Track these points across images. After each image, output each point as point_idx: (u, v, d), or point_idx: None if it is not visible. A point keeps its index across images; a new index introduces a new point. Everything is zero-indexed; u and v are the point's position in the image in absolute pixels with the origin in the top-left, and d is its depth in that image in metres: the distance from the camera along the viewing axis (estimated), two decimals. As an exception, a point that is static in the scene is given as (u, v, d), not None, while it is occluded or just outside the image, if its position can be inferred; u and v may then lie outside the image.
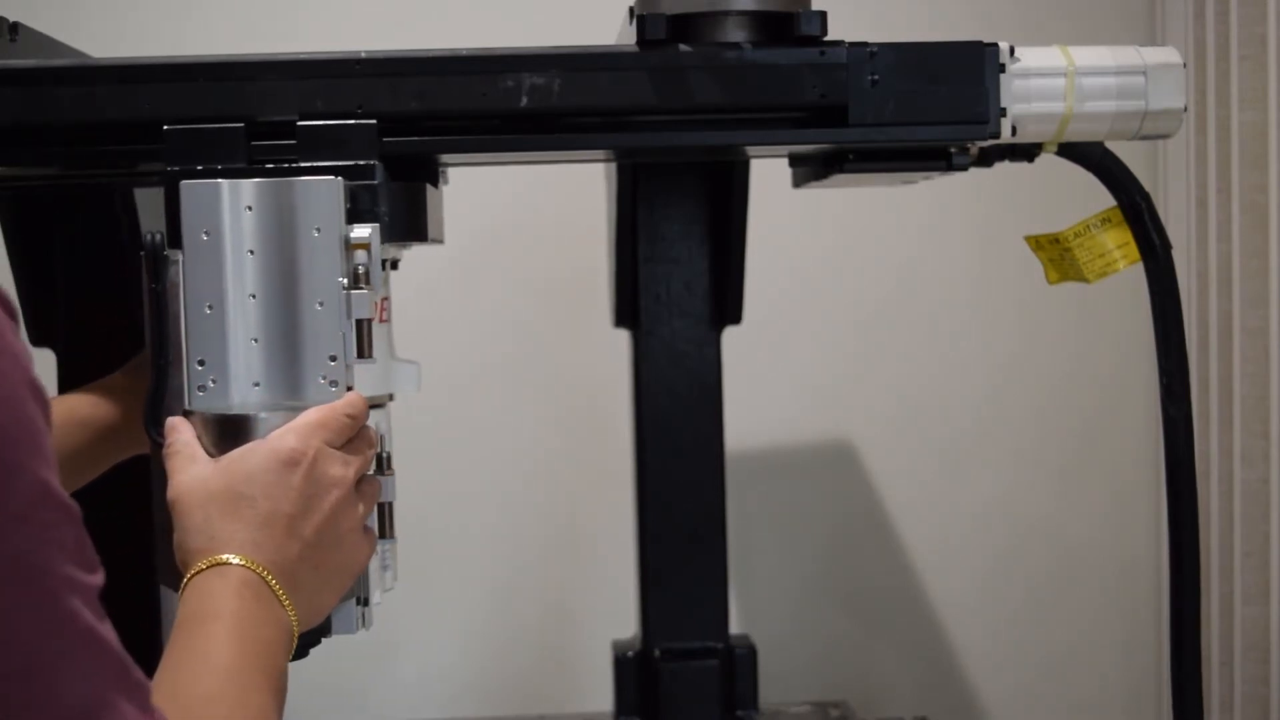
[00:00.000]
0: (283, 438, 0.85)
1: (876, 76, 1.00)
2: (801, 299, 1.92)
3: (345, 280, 0.90)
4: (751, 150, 1.28)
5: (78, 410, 1.02)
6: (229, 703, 0.72)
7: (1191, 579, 1.14)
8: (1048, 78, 1.04)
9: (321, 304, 0.90)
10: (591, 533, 1.91)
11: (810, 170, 1.22)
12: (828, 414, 1.95)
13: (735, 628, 1.60)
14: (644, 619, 1.55)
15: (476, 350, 1.89)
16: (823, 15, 1.01)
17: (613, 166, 1.52)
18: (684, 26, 1.00)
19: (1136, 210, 1.11)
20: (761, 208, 1.56)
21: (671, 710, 1.52)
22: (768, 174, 1.46)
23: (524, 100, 0.97)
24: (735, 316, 1.54)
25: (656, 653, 1.53)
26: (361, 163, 0.93)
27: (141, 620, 1.48)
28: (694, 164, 1.48)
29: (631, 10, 1.02)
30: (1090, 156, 1.10)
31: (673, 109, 1.00)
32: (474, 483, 1.88)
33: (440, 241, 1.06)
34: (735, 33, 1.00)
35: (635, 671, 1.55)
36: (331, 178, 0.90)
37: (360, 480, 0.89)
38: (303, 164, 0.93)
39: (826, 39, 1.00)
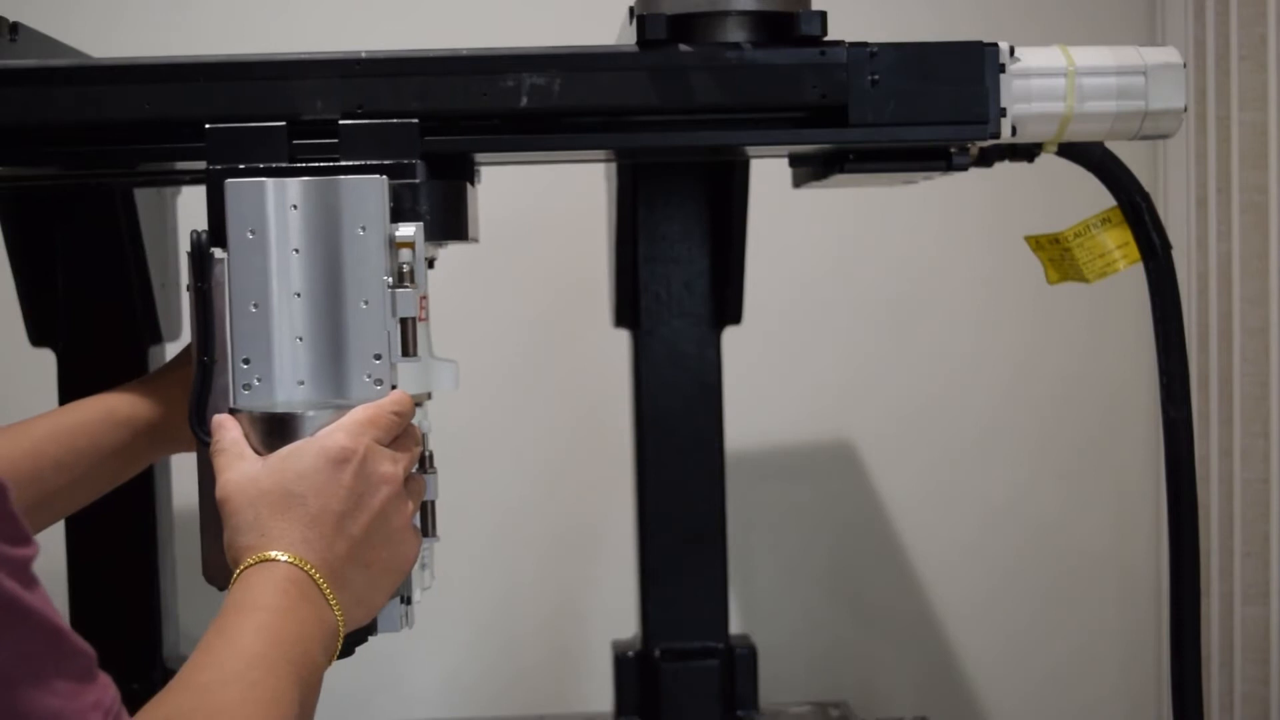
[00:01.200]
0: (332, 435, 0.85)
1: (876, 76, 1.00)
2: (802, 299, 1.92)
3: (390, 279, 0.90)
4: (751, 150, 1.28)
5: (117, 409, 1.02)
6: (243, 685, 0.72)
7: (1191, 579, 1.14)
8: (1048, 78, 1.04)
9: (366, 302, 0.90)
10: (591, 532, 1.91)
11: (810, 170, 1.22)
12: (828, 414, 1.95)
13: (735, 628, 1.60)
14: (644, 619, 1.55)
15: (476, 350, 1.89)
16: (823, 15, 1.01)
17: (613, 166, 1.52)
18: (684, 26, 1.00)
19: (1136, 210, 1.12)
20: (761, 208, 1.56)
21: (671, 710, 1.52)
22: (768, 174, 1.46)
23: (524, 100, 0.97)
24: (735, 316, 1.54)
25: (656, 653, 1.53)
26: (404, 161, 0.93)
27: (142, 620, 1.48)
28: (694, 164, 1.48)
29: (631, 10, 1.02)
30: (1090, 156, 1.11)
31: (673, 109, 1.00)
32: (473, 482, 1.88)
33: (476, 240, 1.06)
34: (735, 33, 1.00)
35: (635, 671, 1.55)
36: (377, 177, 0.90)
37: (407, 478, 0.90)
38: (344, 162, 0.93)
39: (826, 39, 1.00)
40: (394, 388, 0.90)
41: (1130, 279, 1.17)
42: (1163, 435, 1.14)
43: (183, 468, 1.37)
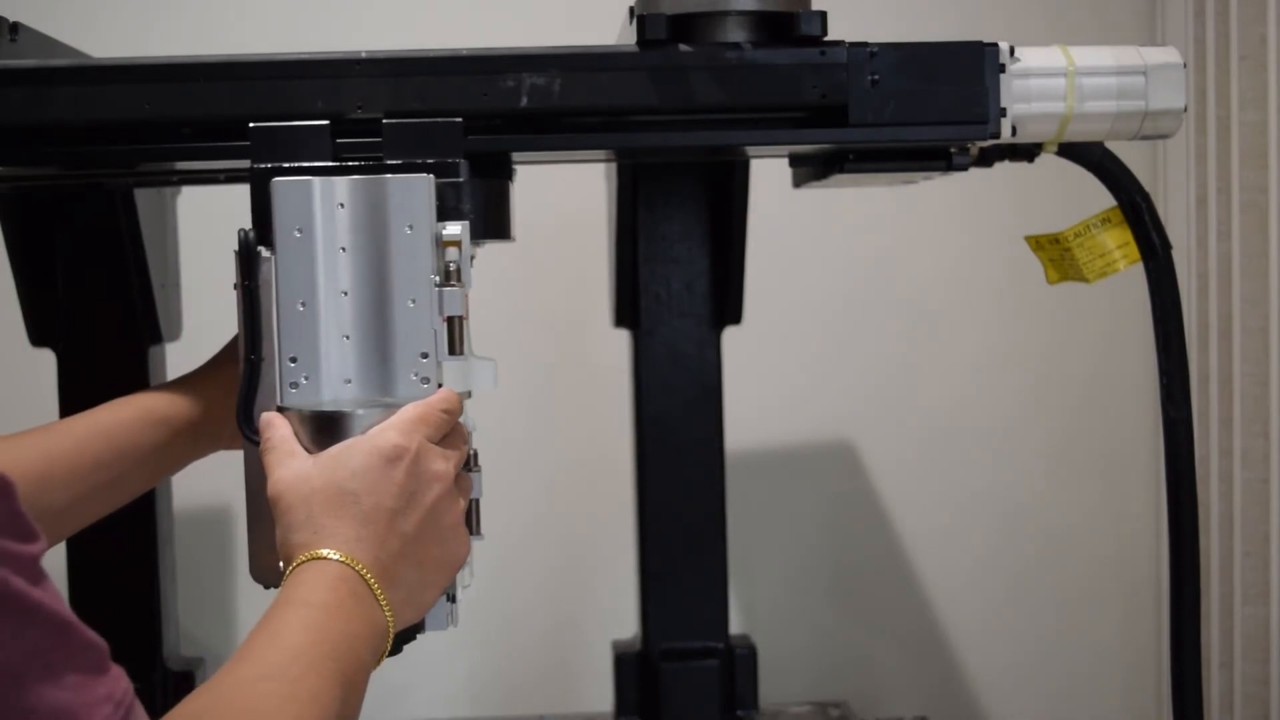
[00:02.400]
0: (384, 433, 0.85)
1: (876, 76, 1.00)
2: (802, 299, 1.92)
3: (437, 277, 0.90)
4: (751, 150, 1.28)
5: (156, 408, 1.02)
6: (283, 681, 0.72)
7: (1191, 579, 1.14)
8: (1048, 78, 1.04)
9: (413, 301, 0.90)
10: (591, 532, 1.91)
11: (810, 170, 1.22)
12: (828, 413, 1.95)
13: (735, 628, 1.60)
14: (644, 619, 1.55)
15: (476, 350, 1.89)
16: (823, 15, 1.01)
17: (613, 166, 1.52)
18: (684, 26, 1.00)
19: (1136, 210, 1.12)
20: (761, 208, 1.56)
21: (671, 710, 1.52)
22: (768, 174, 1.46)
23: (524, 100, 0.97)
24: (735, 316, 1.54)
25: (656, 653, 1.53)
26: (448, 160, 0.93)
27: (142, 620, 1.48)
28: (694, 164, 1.48)
29: (631, 10, 1.02)
30: (1090, 156, 1.11)
31: (673, 109, 1.00)
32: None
33: (513, 239, 1.06)
34: (735, 33, 1.00)
35: (635, 671, 1.56)
36: (424, 175, 0.90)
37: (456, 476, 0.90)
38: (388, 161, 0.93)
39: (826, 39, 1.00)
40: (440, 386, 0.91)
41: (1118, 276, 1.17)
42: (1163, 435, 1.14)
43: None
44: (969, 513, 1.96)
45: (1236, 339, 1.70)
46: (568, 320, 1.89)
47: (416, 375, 0.90)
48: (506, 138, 1.01)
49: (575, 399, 1.91)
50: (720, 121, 1.03)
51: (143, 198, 1.43)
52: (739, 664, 1.55)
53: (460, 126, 0.94)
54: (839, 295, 1.93)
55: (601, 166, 1.58)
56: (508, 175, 1.04)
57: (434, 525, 0.86)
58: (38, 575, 0.57)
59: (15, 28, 1.12)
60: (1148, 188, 1.12)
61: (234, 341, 1.08)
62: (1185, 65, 1.06)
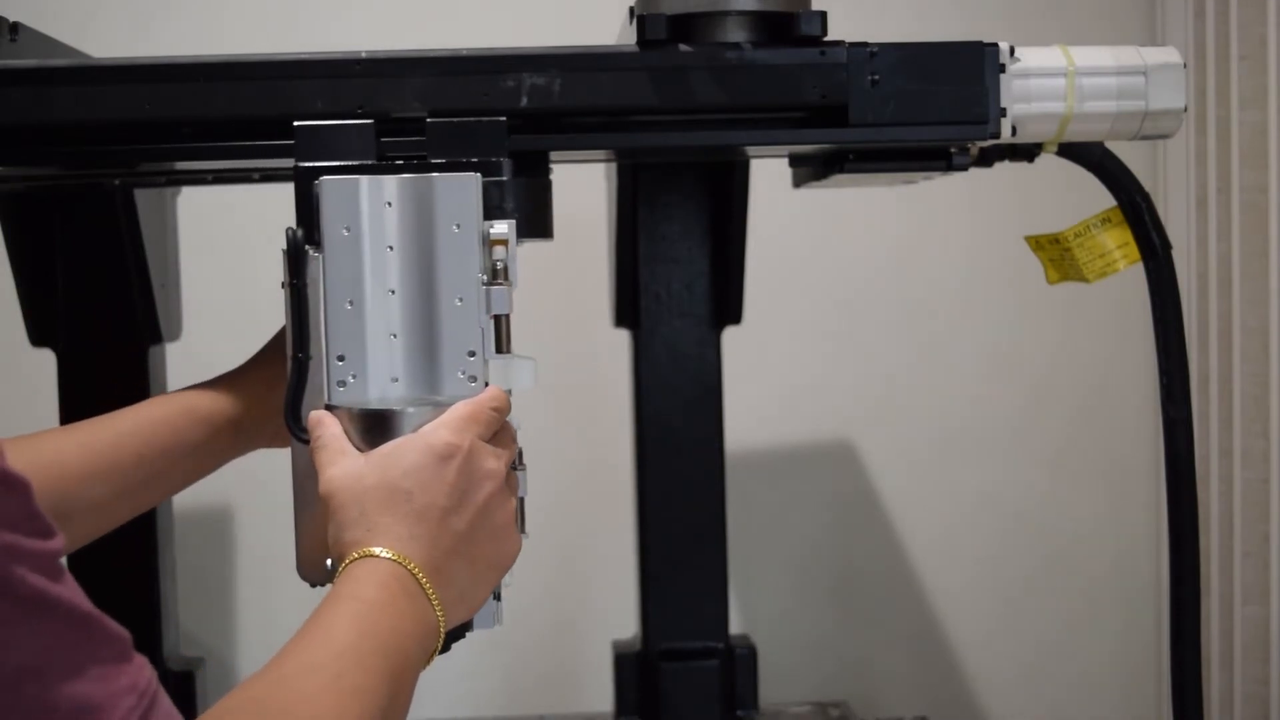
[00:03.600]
0: (436, 431, 0.86)
1: (876, 76, 1.00)
2: (802, 299, 1.92)
3: (484, 276, 0.90)
4: (751, 150, 1.28)
5: (198, 406, 1.02)
6: (327, 674, 0.73)
7: (1191, 579, 1.14)
8: (1048, 78, 1.04)
9: (461, 299, 0.90)
10: (591, 532, 1.91)
11: (810, 170, 1.22)
12: (828, 414, 1.95)
13: (735, 628, 1.60)
14: (644, 619, 1.55)
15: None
16: (823, 15, 1.01)
17: (613, 166, 1.52)
18: (684, 26, 1.00)
19: (1136, 210, 1.11)
20: (761, 208, 1.56)
21: (671, 710, 1.52)
22: (768, 174, 1.46)
23: (524, 100, 0.97)
24: (735, 316, 1.54)
25: (656, 653, 1.53)
26: (492, 159, 0.93)
27: (142, 620, 1.48)
28: (694, 164, 1.48)
29: (631, 10, 1.02)
30: (1090, 156, 1.10)
31: (673, 109, 1.00)
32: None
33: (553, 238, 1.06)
34: (735, 33, 1.00)
35: (635, 671, 1.56)
36: (472, 174, 0.91)
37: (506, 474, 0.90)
38: (433, 160, 0.93)
39: (826, 39, 1.00)
40: (486, 384, 0.91)
41: (1118, 275, 1.17)
42: (1163, 435, 1.14)
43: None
44: (969, 512, 1.96)
45: (1236, 339, 1.70)
46: (568, 320, 1.89)
47: (464, 373, 0.90)
48: (550, 136, 1.01)
49: (575, 399, 1.91)
50: (720, 121, 1.03)
51: (143, 198, 1.43)
52: (739, 664, 1.55)
53: (504, 125, 0.95)
54: (839, 295, 1.93)
55: (601, 166, 1.58)
56: (547, 173, 1.04)
57: (486, 523, 0.87)
58: (57, 571, 0.58)
59: (15, 28, 1.12)
60: (1148, 188, 1.12)
61: (276, 339, 1.09)
62: (1185, 65, 1.06)
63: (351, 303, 0.90)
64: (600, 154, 1.27)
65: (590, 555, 1.92)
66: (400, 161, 0.93)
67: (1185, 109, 1.06)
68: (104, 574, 1.46)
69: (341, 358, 0.90)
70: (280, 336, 1.08)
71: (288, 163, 1.19)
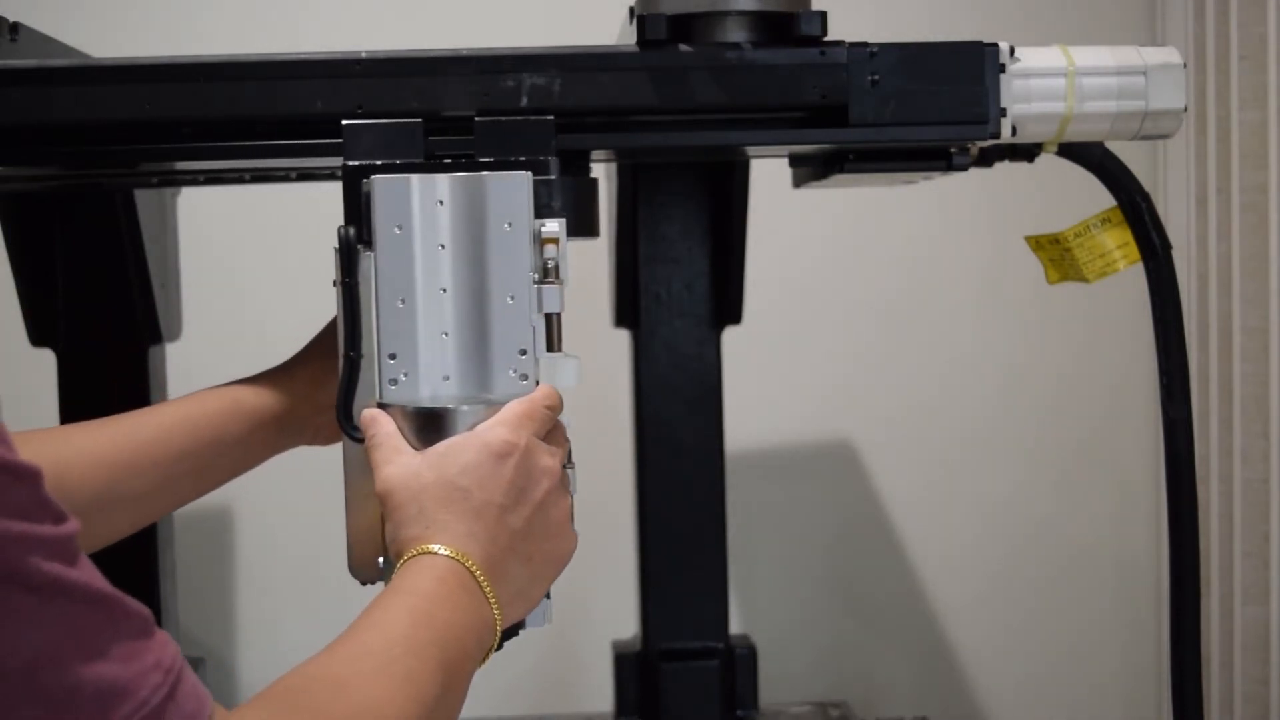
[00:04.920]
0: (493, 430, 0.86)
1: (876, 76, 1.00)
2: (802, 299, 1.92)
3: (535, 274, 0.91)
4: (751, 150, 1.28)
5: (243, 400, 1.02)
6: (379, 660, 0.73)
7: (1191, 579, 1.14)
8: (1048, 78, 1.04)
9: (512, 298, 0.90)
10: (591, 532, 1.90)
11: (810, 170, 1.22)
12: (828, 414, 1.95)
13: (735, 628, 1.60)
14: (644, 619, 1.55)
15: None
16: (823, 15, 1.01)
17: (613, 166, 1.52)
18: (684, 26, 1.00)
19: (1136, 210, 1.11)
20: (761, 208, 1.56)
21: (671, 710, 1.52)
22: (768, 174, 1.46)
23: (524, 100, 0.97)
24: (735, 316, 1.54)
25: (656, 653, 1.53)
26: (540, 158, 0.93)
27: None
28: (694, 164, 1.48)
29: (631, 10, 1.02)
30: (1090, 156, 1.10)
31: (673, 109, 1.00)
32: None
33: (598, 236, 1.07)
34: (735, 33, 1.00)
35: (635, 671, 1.55)
36: (523, 173, 0.91)
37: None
38: (480, 158, 0.93)
39: (826, 39, 1.00)
40: (537, 382, 0.91)
41: (1125, 280, 1.17)
42: (1163, 435, 1.14)
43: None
44: (968, 512, 1.96)
45: (1236, 339, 1.70)
46: (568, 320, 1.89)
47: (515, 372, 0.91)
48: (595, 135, 1.01)
49: (575, 399, 1.90)
50: (720, 121, 1.03)
51: (143, 198, 1.43)
52: (739, 664, 1.55)
53: (552, 124, 0.95)
54: (839, 295, 1.93)
55: (601, 166, 1.58)
56: (585, 173, 1.04)
57: (543, 521, 0.87)
58: (72, 554, 0.58)
59: (15, 28, 1.11)
60: (1148, 188, 1.12)
61: (320, 336, 1.09)
62: (1185, 65, 1.06)
63: (403, 301, 0.90)
64: (600, 154, 1.27)
65: (590, 555, 1.91)
66: (448, 160, 0.93)
67: (1185, 109, 1.06)
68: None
69: (393, 356, 0.90)
70: (324, 334, 1.08)
71: (287, 163, 1.19)
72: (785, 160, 1.29)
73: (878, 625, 1.97)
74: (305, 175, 1.31)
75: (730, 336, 1.55)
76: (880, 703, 1.94)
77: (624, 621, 1.65)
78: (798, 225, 1.89)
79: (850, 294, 1.93)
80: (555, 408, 0.91)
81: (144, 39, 1.82)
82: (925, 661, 1.98)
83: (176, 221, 1.56)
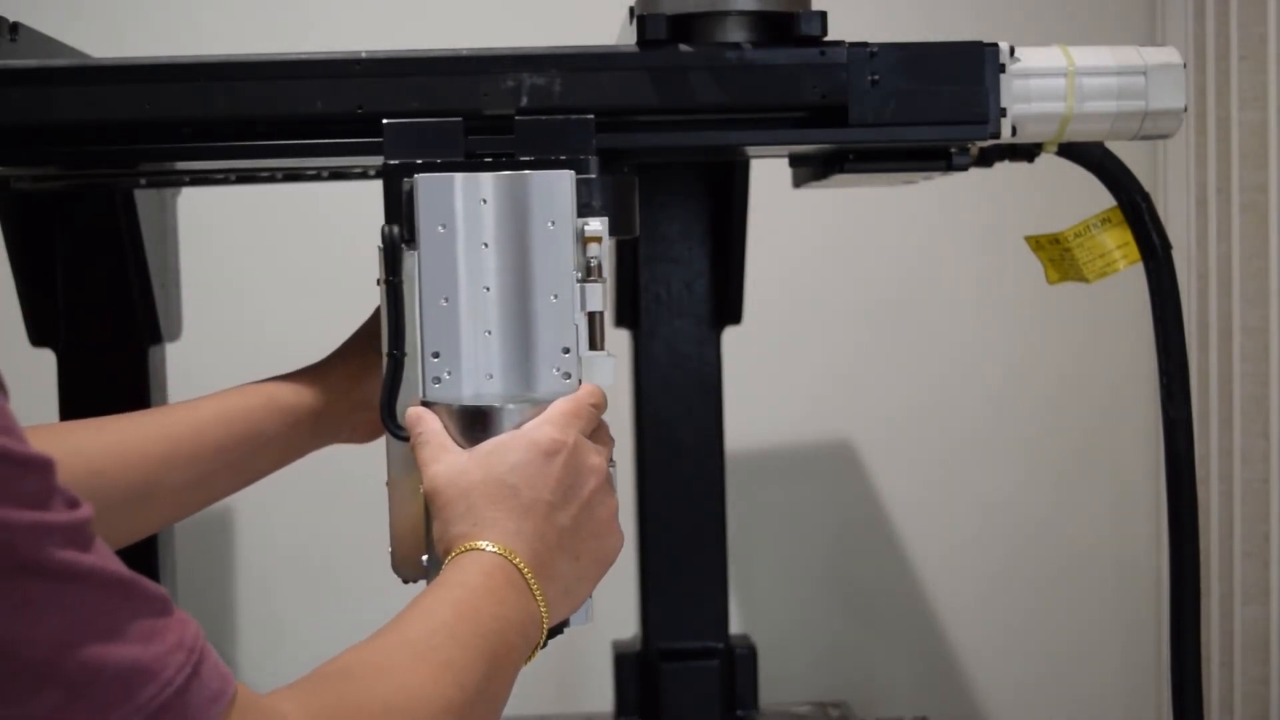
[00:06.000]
0: (540, 428, 0.86)
1: (876, 76, 1.00)
2: (802, 299, 1.92)
3: (578, 273, 0.91)
4: (751, 150, 1.28)
5: (280, 397, 1.02)
6: (421, 648, 0.74)
7: (1191, 579, 1.14)
8: (1048, 78, 1.04)
9: (556, 296, 0.90)
10: (591, 533, 1.91)
11: (810, 170, 1.22)
12: (828, 414, 1.95)
13: (735, 628, 1.60)
14: (644, 619, 1.55)
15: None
16: (823, 15, 1.01)
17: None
18: (684, 26, 1.00)
19: (1136, 210, 1.11)
20: (761, 208, 1.56)
21: (671, 710, 1.52)
22: (768, 174, 1.46)
23: (524, 100, 0.97)
24: (735, 316, 1.54)
25: (656, 653, 1.53)
26: (580, 156, 0.93)
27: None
28: (694, 164, 1.48)
29: (631, 10, 1.02)
30: (1090, 156, 1.10)
31: (673, 109, 1.00)
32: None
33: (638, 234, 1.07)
34: (735, 33, 1.00)
35: (635, 671, 1.55)
36: (565, 171, 0.91)
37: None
38: (520, 157, 0.93)
39: (826, 39, 1.00)
40: (580, 381, 0.91)
41: (1124, 280, 1.17)
42: (1163, 435, 1.14)
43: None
44: (969, 512, 1.96)
45: (1236, 339, 1.70)
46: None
47: (558, 370, 0.91)
48: (630, 135, 1.02)
49: (575, 399, 1.90)
50: (720, 121, 1.03)
51: (143, 198, 1.43)
52: (739, 664, 1.55)
53: (591, 123, 0.95)
54: (839, 295, 1.93)
55: (601, 166, 1.57)
56: (625, 170, 1.04)
57: (590, 519, 0.87)
58: (87, 540, 0.58)
59: (15, 28, 1.11)
60: (1148, 188, 1.12)
61: (357, 335, 1.09)
62: (1185, 65, 1.06)
63: (446, 299, 0.90)
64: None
65: (590, 555, 1.91)
66: (488, 159, 0.93)
67: (1185, 109, 1.06)
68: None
69: (436, 354, 0.90)
70: (361, 332, 1.08)
71: (287, 163, 1.19)
72: (785, 160, 1.29)
73: (878, 625, 1.97)
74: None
75: (730, 336, 1.55)
76: (880, 703, 1.94)
77: (624, 621, 1.65)
78: (798, 225, 1.89)
79: (850, 294, 1.93)
80: (600, 406, 0.91)
81: (144, 39, 1.82)
82: (925, 661, 1.98)
83: (176, 221, 1.56)
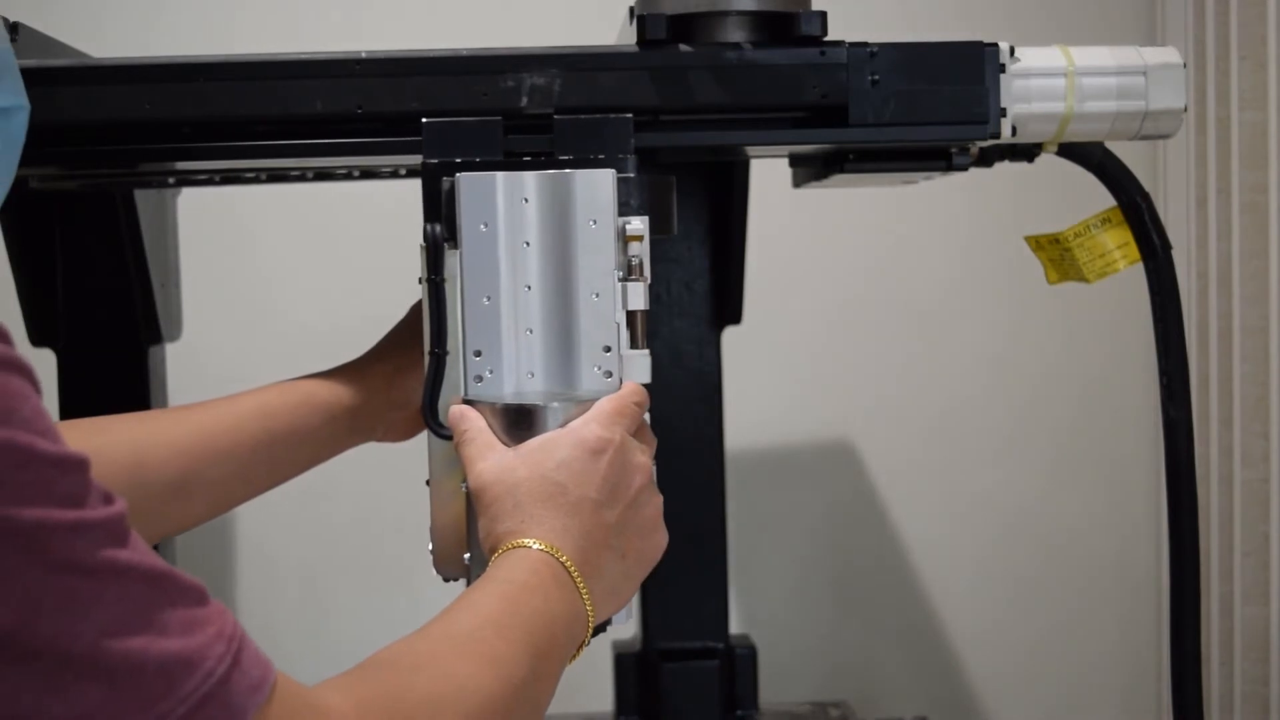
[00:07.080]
0: (587, 426, 0.86)
1: (876, 76, 1.00)
2: (802, 299, 1.92)
3: (620, 271, 0.91)
4: (752, 150, 1.28)
5: (317, 394, 1.03)
6: (465, 641, 0.74)
7: (1191, 579, 1.14)
8: (1048, 78, 1.04)
9: (597, 295, 0.91)
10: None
11: (810, 170, 1.22)
12: (828, 414, 1.95)
13: (735, 628, 1.60)
14: (644, 619, 1.55)
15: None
16: (823, 15, 1.01)
17: (613, 166, 1.52)
18: (684, 26, 1.00)
19: (1136, 210, 1.11)
20: (761, 208, 1.56)
21: (671, 710, 1.52)
22: (768, 174, 1.46)
23: (524, 100, 0.97)
24: (735, 316, 1.54)
25: (656, 653, 1.53)
26: (619, 155, 0.94)
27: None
28: (694, 164, 1.48)
29: (631, 10, 1.02)
30: (1090, 156, 1.10)
31: (673, 109, 1.00)
32: (474, 483, 1.88)
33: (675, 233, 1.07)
34: (735, 33, 1.00)
35: (635, 671, 1.55)
36: (607, 170, 0.91)
37: None
38: (559, 156, 0.93)
39: (827, 39, 1.00)
40: (621, 380, 0.91)
41: (1119, 277, 1.17)
42: (1163, 435, 1.14)
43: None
44: (969, 513, 1.96)
45: (1236, 339, 1.70)
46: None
47: (599, 368, 0.91)
48: (664, 134, 1.01)
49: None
50: (720, 121, 1.03)
51: (143, 198, 1.43)
52: (739, 664, 1.55)
53: (630, 122, 0.95)
54: (839, 295, 1.93)
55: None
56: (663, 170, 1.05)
57: (636, 517, 0.88)
58: (123, 535, 0.58)
59: (15, 28, 1.11)
60: (1148, 188, 1.12)
61: (394, 332, 1.09)
62: (1185, 65, 1.06)
63: (488, 298, 0.90)
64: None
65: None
66: (527, 158, 0.93)
67: (1185, 109, 1.06)
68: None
69: (478, 353, 0.91)
70: (398, 330, 1.09)
71: (286, 163, 1.19)
72: (785, 160, 1.29)
73: (878, 625, 1.97)
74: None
75: (730, 336, 1.55)
76: (880, 703, 1.94)
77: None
78: (798, 225, 1.89)
79: (850, 294, 1.93)
80: (643, 405, 0.91)
81: (144, 39, 1.82)
82: (926, 661, 1.98)
83: (176, 221, 1.56)
